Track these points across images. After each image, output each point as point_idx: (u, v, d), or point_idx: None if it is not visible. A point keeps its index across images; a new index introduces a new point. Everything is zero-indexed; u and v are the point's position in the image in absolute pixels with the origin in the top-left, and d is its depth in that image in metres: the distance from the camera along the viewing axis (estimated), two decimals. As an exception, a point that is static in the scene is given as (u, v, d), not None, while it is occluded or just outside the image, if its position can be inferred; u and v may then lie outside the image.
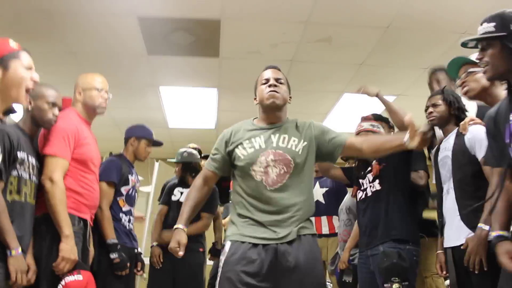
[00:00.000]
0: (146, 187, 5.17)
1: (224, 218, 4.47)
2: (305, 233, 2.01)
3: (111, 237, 2.76)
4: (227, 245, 2.02)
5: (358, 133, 2.82)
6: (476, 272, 1.98)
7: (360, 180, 2.81)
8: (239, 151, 2.08)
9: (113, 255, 2.72)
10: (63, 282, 2.13)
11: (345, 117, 5.99)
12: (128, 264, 2.81)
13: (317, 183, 3.78)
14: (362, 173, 2.81)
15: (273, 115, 2.13)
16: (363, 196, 2.75)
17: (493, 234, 1.69)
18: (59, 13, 3.60)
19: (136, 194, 3.06)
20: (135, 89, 5.20)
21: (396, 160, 2.58)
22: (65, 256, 2.13)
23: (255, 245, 1.96)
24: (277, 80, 2.12)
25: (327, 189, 3.77)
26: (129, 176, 2.98)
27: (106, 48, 4.20)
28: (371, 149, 2.10)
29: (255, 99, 2.18)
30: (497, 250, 1.64)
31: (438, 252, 2.41)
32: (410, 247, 2.52)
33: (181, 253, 2.01)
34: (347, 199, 3.43)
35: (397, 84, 5.03)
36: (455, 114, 2.34)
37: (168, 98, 5.44)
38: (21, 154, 2.04)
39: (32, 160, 2.14)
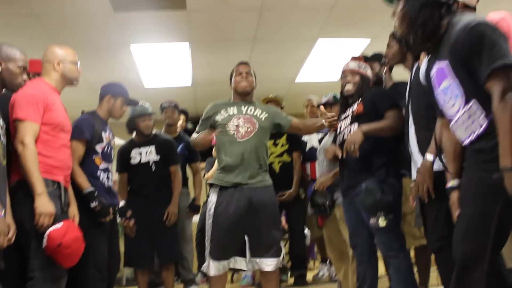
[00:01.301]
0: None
1: (208, 171, 4.46)
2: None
3: (86, 187, 2.77)
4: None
5: (343, 72, 2.80)
6: (426, 201, 2.04)
7: (339, 124, 2.82)
8: (217, 116, 2.96)
9: (93, 204, 2.74)
10: (46, 235, 2.21)
11: (322, 64, 5.91)
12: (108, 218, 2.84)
13: None
14: (342, 116, 2.82)
15: (244, 97, 3.01)
16: (341, 140, 2.75)
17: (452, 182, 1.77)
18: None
19: (112, 150, 3.06)
20: (106, 50, 5.08)
21: (378, 98, 2.62)
22: (41, 211, 2.20)
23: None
24: (247, 73, 3.00)
25: (323, 135, 3.75)
26: (103, 133, 2.97)
27: (70, 8, 4.05)
28: (306, 129, 3.16)
29: (230, 85, 3.05)
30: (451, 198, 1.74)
31: (411, 185, 2.48)
32: (391, 180, 2.57)
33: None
34: (326, 140, 3.45)
35: (370, 27, 4.98)
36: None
37: (141, 57, 5.32)
38: None
39: (0, 121, 2.15)
